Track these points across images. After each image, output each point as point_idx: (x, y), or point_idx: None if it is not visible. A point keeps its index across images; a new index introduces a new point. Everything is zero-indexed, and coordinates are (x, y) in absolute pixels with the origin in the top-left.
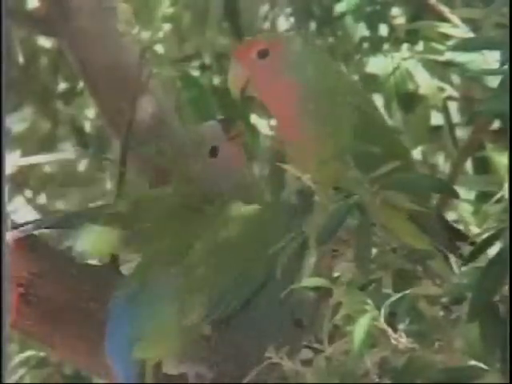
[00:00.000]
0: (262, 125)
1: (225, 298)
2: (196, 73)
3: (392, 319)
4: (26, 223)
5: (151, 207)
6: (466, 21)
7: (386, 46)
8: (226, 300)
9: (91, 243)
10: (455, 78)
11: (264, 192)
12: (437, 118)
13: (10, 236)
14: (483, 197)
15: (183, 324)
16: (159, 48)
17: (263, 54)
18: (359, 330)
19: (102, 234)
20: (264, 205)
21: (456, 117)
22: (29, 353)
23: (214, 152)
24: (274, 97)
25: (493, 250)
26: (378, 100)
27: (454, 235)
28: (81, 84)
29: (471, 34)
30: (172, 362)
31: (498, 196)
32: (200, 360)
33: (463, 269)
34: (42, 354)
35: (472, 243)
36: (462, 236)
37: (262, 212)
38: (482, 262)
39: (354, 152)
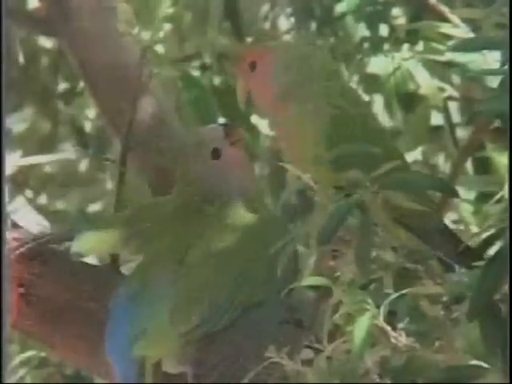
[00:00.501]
0: (263, 125)
1: (218, 311)
2: (196, 73)
3: (392, 318)
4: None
5: (152, 208)
6: (466, 21)
7: (386, 46)
8: (219, 313)
9: (91, 242)
10: (455, 78)
11: (264, 192)
12: (437, 118)
13: (11, 246)
14: (483, 197)
15: (178, 330)
16: (159, 48)
17: (252, 67)
18: (359, 329)
19: (102, 233)
20: (264, 206)
21: (456, 117)
22: (29, 353)
23: (216, 154)
24: (266, 105)
25: (493, 250)
26: (379, 100)
27: (451, 240)
28: (81, 84)
29: (471, 34)
30: (172, 361)
31: (498, 196)
32: (200, 360)
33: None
34: (42, 354)
35: (467, 248)
36: (458, 241)
37: (262, 213)
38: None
39: (334, 154)
